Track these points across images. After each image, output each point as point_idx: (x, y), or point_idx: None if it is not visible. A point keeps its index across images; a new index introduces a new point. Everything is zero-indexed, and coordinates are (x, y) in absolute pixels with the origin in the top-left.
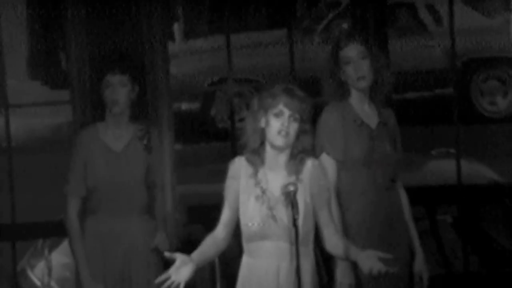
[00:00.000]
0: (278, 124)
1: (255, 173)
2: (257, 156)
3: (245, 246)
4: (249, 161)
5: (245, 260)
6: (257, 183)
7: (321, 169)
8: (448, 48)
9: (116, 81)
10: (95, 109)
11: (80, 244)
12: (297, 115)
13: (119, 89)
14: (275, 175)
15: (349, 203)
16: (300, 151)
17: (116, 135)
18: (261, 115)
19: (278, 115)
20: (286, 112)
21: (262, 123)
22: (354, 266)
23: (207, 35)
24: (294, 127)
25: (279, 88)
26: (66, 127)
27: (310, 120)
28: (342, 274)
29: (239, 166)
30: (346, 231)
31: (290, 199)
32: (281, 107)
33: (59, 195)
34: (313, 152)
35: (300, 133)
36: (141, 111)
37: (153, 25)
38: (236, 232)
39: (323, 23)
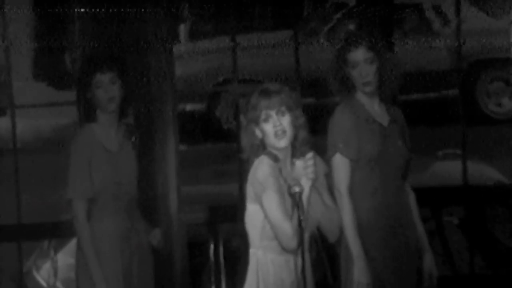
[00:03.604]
0: (270, 126)
1: (280, 171)
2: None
3: (264, 243)
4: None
5: (261, 255)
6: (285, 181)
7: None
8: (455, 49)
9: (107, 79)
10: (89, 110)
11: (92, 246)
12: (282, 108)
13: (111, 87)
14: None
15: (361, 201)
16: (301, 143)
17: (110, 135)
18: (253, 127)
19: (266, 119)
20: (272, 113)
21: (259, 134)
22: (372, 266)
23: (213, 36)
24: (286, 120)
25: (255, 96)
26: (72, 127)
27: (299, 106)
28: (359, 274)
29: (270, 163)
30: (358, 229)
31: (296, 200)
32: (265, 112)
33: (65, 196)
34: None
35: (294, 122)
36: (128, 109)
37: (159, 26)
38: (242, 232)
39: (329, 24)
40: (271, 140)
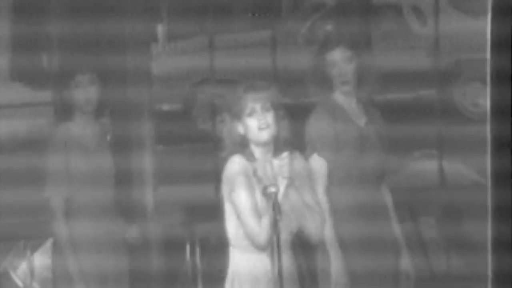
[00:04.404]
0: (254, 121)
1: (255, 171)
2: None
3: (239, 241)
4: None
5: (237, 254)
6: (260, 180)
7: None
8: (432, 49)
9: (86, 80)
10: (65, 109)
11: (71, 245)
12: (267, 104)
13: (90, 88)
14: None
15: (339, 202)
16: (283, 143)
17: (87, 133)
18: (236, 123)
19: (251, 113)
20: (257, 107)
21: (241, 130)
22: (349, 266)
23: (190, 36)
24: (270, 116)
25: (241, 90)
26: (48, 127)
27: (281, 106)
28: (337, 274)
29: (241, 162)
30: (335, 229)
31: (272, 201)
32: (250, 105)
33: (40, 196)
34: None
35: (277, 121)
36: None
37: (137, 26)
38: (218, 232)
39: (307, 24)
40: (254, 133)
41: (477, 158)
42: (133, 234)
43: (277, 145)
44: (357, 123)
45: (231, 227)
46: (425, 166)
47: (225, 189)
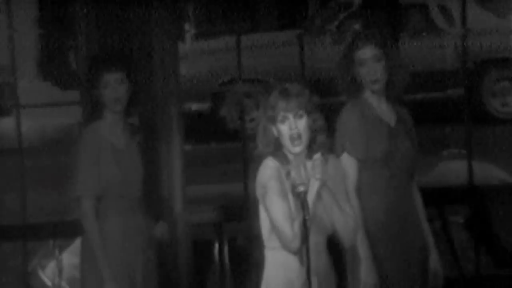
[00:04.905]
0: (286, 128)
1: (288, 173)
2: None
3: (273, 243)
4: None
5: (271, 255)
6: (293, 182)
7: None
8: (460, 49)
9: (114, 80)
10: (95, 108)
11: (102, 245)
12: (300, 112)
13: (119, 87)
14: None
15: (368, 201)
16: (318, 145)
17: (117, 133)
18: (270, 126)
19: (283, 121)
20: (289, 115)
21: (275, 133)
22: (378, 266)
23: (218, 36)
24: (302, 123)
25: (274, 95)
26: (77, 127)
27: (317, 109)
28: (366, 274)
29: (274, 166)
30: (365, 229)
31: (301, 200)
32: (282, 113)
33: (69, 195)
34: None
35: (311, 124)
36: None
37: (163, 25)
38: (247, 232)
39: (334, 23)
40: (287, 143)
41: (506, 157)
42: (161, 233)
43: (311, 147)
44: (387, 122)
45: (265, 228)
46: (454, 165)
47: (258, 192)
